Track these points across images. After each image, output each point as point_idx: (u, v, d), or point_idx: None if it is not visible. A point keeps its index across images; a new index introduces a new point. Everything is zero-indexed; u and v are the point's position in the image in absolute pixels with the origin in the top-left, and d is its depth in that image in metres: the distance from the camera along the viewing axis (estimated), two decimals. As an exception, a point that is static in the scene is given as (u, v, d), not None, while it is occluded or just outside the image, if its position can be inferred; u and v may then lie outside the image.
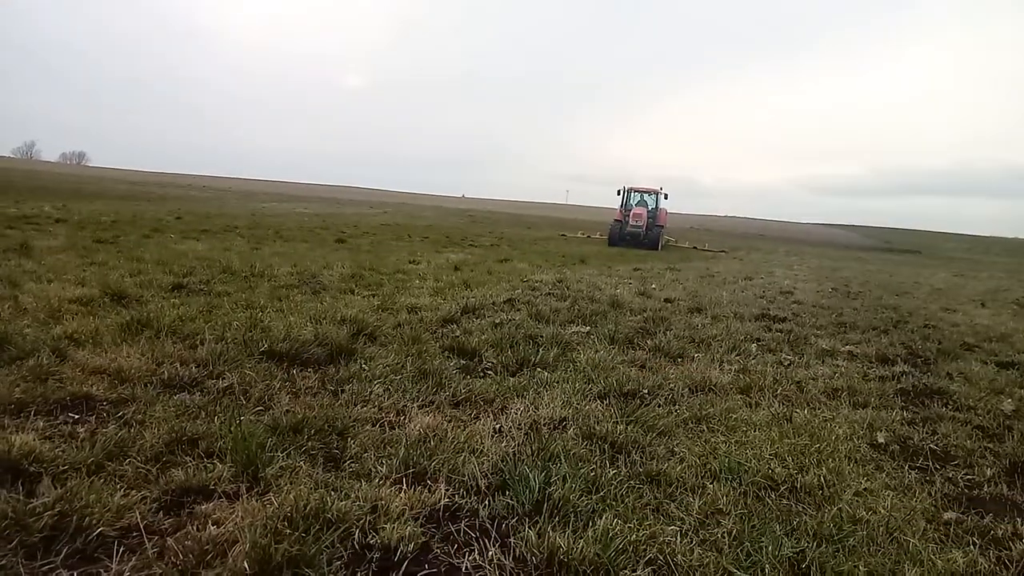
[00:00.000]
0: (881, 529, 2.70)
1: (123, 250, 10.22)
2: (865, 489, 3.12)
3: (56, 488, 2.43)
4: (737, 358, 5.70)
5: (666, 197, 31.96)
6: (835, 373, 5.45)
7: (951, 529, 2.82)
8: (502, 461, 3.06)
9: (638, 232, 28.72)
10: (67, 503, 2.32)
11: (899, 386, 5.21)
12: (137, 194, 38.55)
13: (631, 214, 29.59)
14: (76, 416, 3.22)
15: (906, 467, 3.50)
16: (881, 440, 3.86)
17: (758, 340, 6.66)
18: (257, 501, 2.50)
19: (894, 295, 13.32)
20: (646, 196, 31.99)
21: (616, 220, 30.84)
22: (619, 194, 31.82)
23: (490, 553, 2.36)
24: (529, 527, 2.49)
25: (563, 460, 3.08)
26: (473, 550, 2.38)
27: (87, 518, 2.27)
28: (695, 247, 32.61)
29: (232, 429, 3.08)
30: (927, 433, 4.07)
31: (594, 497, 2.75)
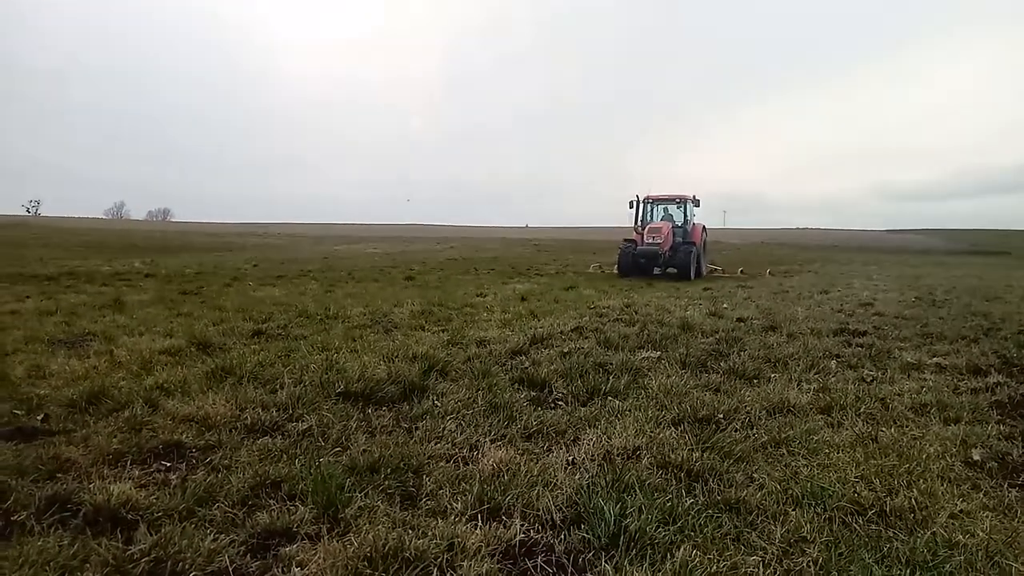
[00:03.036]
0: (980, 553, 2.55)
1: (206, 300, 10.74)
2: (961, 511, 2.96)
3: (151, 535, 2.56)
4: (816, 376, 5.51)
5: (697, 205, 23.74)
6: (922, 387, 5.20)
7: (1059, 552, 2.64)
8: (576, 494, 3.04)
9: (655, 251, 21.19)
10: (162, 549, 2.45)
11: (994, 398, 4.92)
12: (218, 245, 40.45)
13: (647, 229, 21.97)
14: (168, 464, 3.39)
15: (1005, 485, 3.29)
16: (976, 457, 3.65)
17: (837, 356, 6.42)
18: (338, 542, 2.57)
19: (984, 301, 12.62)
20: (671, 207, 24.10)
21: (627, 241, 22.81)
22: (632, 207, 23.20)
23: (567, 589, 2.35)
24: (606, 561, 2.47)
25: (638, 491, 3.04)
26: (550, 586, 2.38)
27: (181, 563, 2.38)
28: (744, 273, 24.82)
29: (312, 471, 3.18)
30: (1028, 448, 3.83)
31: (671, 528, 2.70)
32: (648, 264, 21.71)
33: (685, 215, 23.84)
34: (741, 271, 25.51)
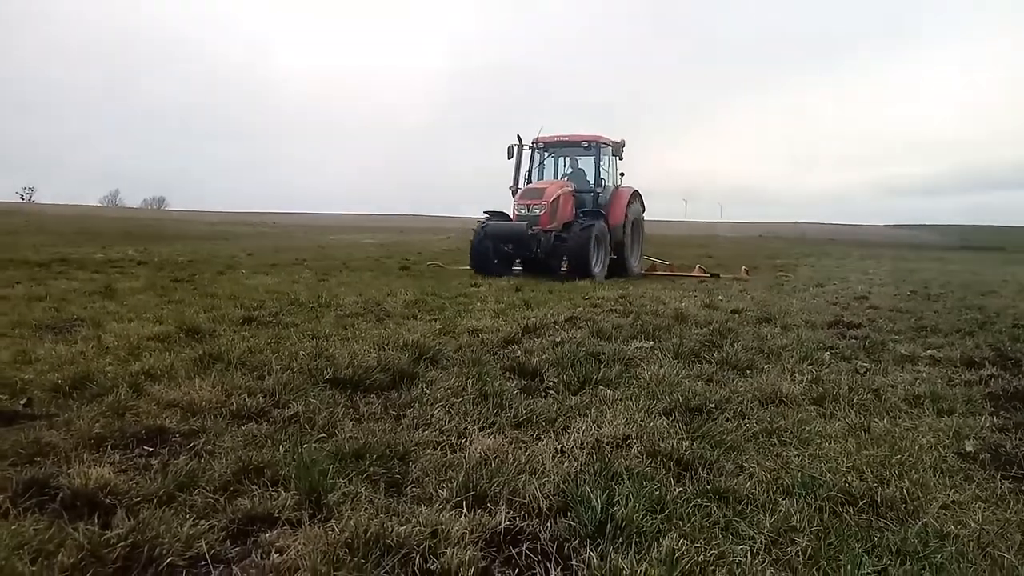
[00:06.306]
0: (972, 544, 2.52)
1: (198, 287, 10.64)
2: (953, 501, 2.93)
3: (129, 519, 2.51)
4: (809, 368, 5.48)
5: (620, 155, 15.50)
6: (916, 379, 5.17)
7: (1051, 543, 2.61)
8: (564, 482, 3.00)
9: (520, 231, 13.35)
10: (139, 534, 2.39)
11: (987, 390, 4.90)
12: (212, 234, 40.27)
13: (520, 194, 14.22)
14: (150, 449, 3.34)
15: (998, 477, 3.26)
16: (969, 449, 3.62)
17: (831, 348, 6.39)
18: (319, 528, 2.52)
19: (978, 295, 12.62)
20: (577, 157, 15.48)
21: (488, 215, 14.75)
22: (511, 157, 15.02)
23: (551, 576, 2.31)
24: (591, 549, 2.42)
25: (626, 479, 3.00)
26: (534, 574, 2.34)
27: (158, 548, 2.33)
28: (703, 272, 16.70)
29: (296, 457, 3.14)
30: (1020, 440, 3.79)
31: (659, 517, 2.66)
32: (518, 251, 13.64)
33: (597, 170, 14.80)
34: (699, 268, 17.35)
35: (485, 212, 14.88)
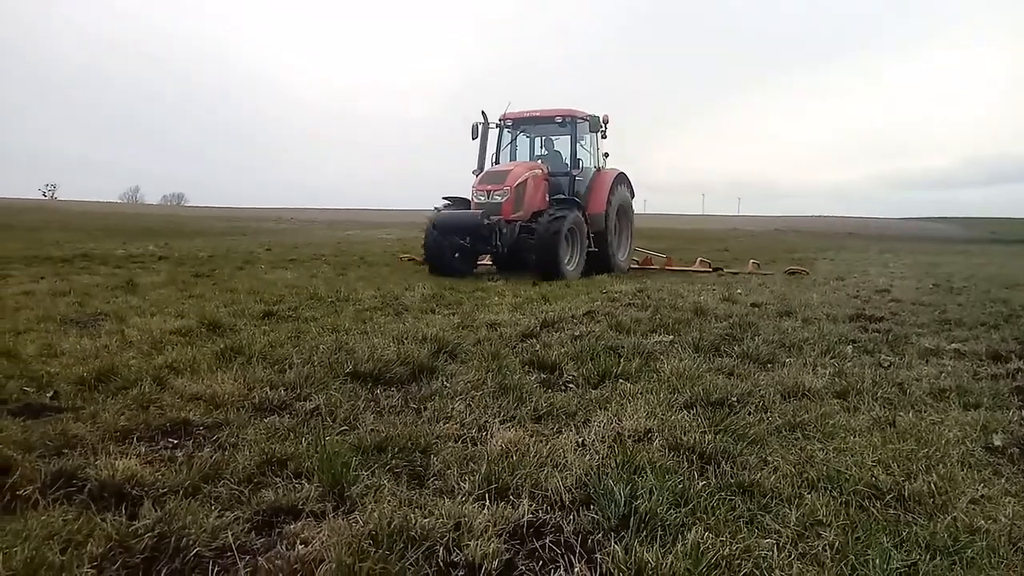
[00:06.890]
0: (1003, 539, 2.48)
1: (218, 282, 10.74)
2: (982, 496, 2.88)
3: (156, 510, 2.53)
4: (832, 361, 5.41)
5: (603, 133, 13.69)
6: (941, 373, 5.09)
7: (1084, 538, 2.56)
8: (586, 475, 2.99)
9: (474, 222, 11.53)
10: (166, 525, 2.42)
11: (1015, 384, 4.81)
12: (231, 230, 40.56)
13: (479, 179, 12.43)
14: (175, 441, 3.38)
15: (1028, 471, 3.21)
16: (998, 443, 3.56)
17: (854, 342, 6.31)
18: (343, 520, 2.53)
19: (1004, 288, 12.41)
20: (554, 139, 13.91)
21: (447, 200, 12.84)
22: (476, 137, 13.25)
23: (576, 570, 2.30)
24: (615, 542, 2.41)
25: (649, 473, 2.98)
26: (558, 567, 2.33)
27: (184, 539, 2.35)
28: (705, 263, 15.91)
29: (319, 450, 3.15)
30: (1050, 434, 3.73)
31: (683, 510, 2.65)
32: (475, 245, 12.06)
33: (573, 150, 13.01)
34: (700, 261, 16.06)
35: (444, 199, 12.66)
